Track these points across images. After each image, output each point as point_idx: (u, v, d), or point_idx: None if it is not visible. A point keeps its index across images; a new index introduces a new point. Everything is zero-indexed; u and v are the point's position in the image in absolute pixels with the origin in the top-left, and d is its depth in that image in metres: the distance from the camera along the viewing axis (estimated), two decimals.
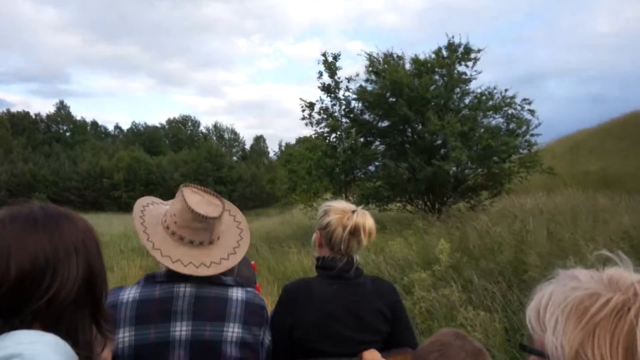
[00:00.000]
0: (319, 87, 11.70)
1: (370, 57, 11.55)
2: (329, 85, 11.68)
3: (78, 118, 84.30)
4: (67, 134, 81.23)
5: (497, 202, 11.33)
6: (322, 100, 11.79)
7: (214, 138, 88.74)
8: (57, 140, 74.95)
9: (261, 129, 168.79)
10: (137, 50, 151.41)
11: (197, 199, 1.45)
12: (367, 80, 11.84)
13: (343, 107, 11.63)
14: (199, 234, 1.41)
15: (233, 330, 1.42)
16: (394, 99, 10.92)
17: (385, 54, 11.50)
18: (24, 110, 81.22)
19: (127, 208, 54.12)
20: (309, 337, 1.60)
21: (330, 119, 11.21)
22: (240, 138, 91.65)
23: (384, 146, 11.74)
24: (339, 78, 11.60)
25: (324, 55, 11.39)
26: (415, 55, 11.59)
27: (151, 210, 1.52)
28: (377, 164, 11.23)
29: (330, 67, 11.44)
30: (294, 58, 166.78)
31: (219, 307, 1.42)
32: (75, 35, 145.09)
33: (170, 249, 1.40)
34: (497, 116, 11.24)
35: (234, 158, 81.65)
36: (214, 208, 1.44)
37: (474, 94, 11.23)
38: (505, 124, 11.10)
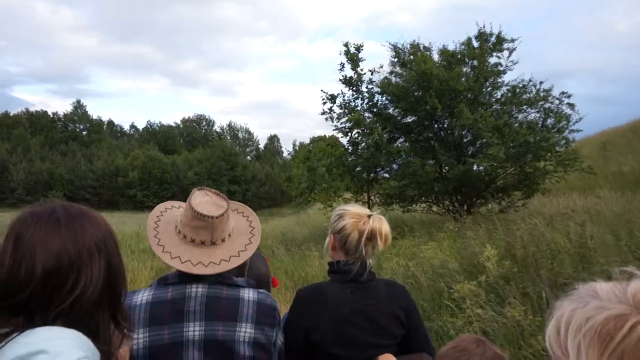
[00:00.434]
0: (340, 80, 10.98)
1: (395, 48, 10.82)
2: (350, 78, 10.95)
3: (94, 117, 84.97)
4: (84, 132, 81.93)
5: (530, 204, 10.59)
6: (343, 94, 11.07)
7: (228, 137, 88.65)
8: (73, 139, 75.61)
9: (275, 129, 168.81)
10: (151, 50, 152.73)
11: (203, 200, 1.47)
12: (391, 73, 11.13)
13: (366, 100, 10.88)
14: (199, 233, 1.43)
15: (245, 330, 1.42)
16: (420, 92, 10.18)
17: (411, 45, 10.76)
18: (42, 110, 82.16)
19: (141, 207, 54.39)
20: (325, 341, 1.59)
21: (353, 113, 10.46)
22: (254, 137, 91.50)
23: (408, 143, 10.97)
24: (361, 70, 10.86)
25: (345, 45, 10.66)
26: (444, 45, 10.85)
27: (172, 212, 1.57)
28: (400, 162, 10.46)
29: (353, 58, 10.71)
30: (307, 58, 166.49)
31: (231, 308, 1.42)
32: (91, 36, 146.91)
33: (174, 246, 1.43)
34: (532, 110, 10.43)
35: (248, 157, 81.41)
36: (215, 208, 1.45)
37: (507, 87, 10.43)
38: (541, 119, 10.27)
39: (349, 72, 10.98)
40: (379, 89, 10.77)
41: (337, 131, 11.43)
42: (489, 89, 10.82)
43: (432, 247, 6.36)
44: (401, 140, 11.30)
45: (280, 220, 23.05)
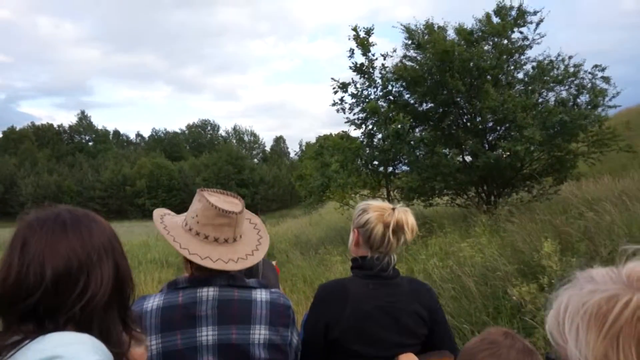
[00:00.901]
0: (350, 68, 10.14)
1: (407, 29, 9.97)
2: (361, 64, 10.12)
3: (100, 127, 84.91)
4: (90, 143, 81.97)
5: (561, 191, 9.73)
6: (355, 82, 10.22)
7: (234, 141, 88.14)
8: (80, 151, 75.72)
9: (280, 130, 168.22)
10: (154, 58, 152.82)
11: (217, 198, 1.46)
12: (404, 57, 10.29)
13: (379, 88, 10.02)
14: (223, 231, 1.41)
15: (260, 333, 1.39)
16: (439, 76, 9.33)
17: (425, 25, 9.92)
18: (47, 123, 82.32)
19: (150, 215, 52.94)
20: (345, 337, 1.55)
21: (367, 102, 9.62)
22: (260, 140, 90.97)
23: (429, 131, 10.11)
24: (373, 55, 10.03)
25: (354, 30, 9.83)
26: (459, 24, 9.99)
27: (169, 219, 1.53)
28: (422, 152, 9.62)
29: (363, 43, 9.86)
30: (308, 57, 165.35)
31: (244, 310, 1.39)
32: (94, 48, 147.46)
33: (197, 248, 1.38)
34: (561, 88, 9.55)
35: (255, 160, 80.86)
36: (234, 205, 1.45)
37: (533, 63, 9.55)
38: (571, 97, 9.37)
39: (359, 58, 10.17)
40: (392, 75, 9.93)
41: (349, 123, 10.61)
42: (511, 67, 9.97)
43: (470, 244, 5.54)
44: (419, 129, 10.46)
45: (292, 222, 22.28)
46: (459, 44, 9.36)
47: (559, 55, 9.41)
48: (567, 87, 9.37)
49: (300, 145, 68.66)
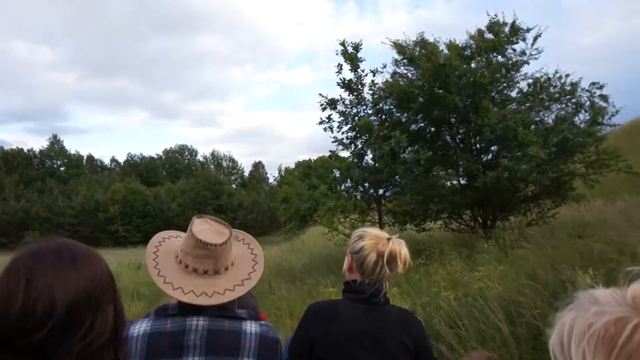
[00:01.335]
0: (338, 84, 9.60)
1: (396, 45, 9.53)
2: (349, 80, 9.58)
3: (72, 152, 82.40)
4: (62, 168, 79.25)
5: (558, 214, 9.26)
6: (343, 100, 9.66)
7: (212, 166, 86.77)
8: (50, 176, 72.91)
9: (259, 156, 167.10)
10: (131, 84, 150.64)
11: (205, 228, 1.41)
12: (394, 74, 9.83)
13: (369, 105, 9.47)
14: (202, 262, 1.36)
15: None
16: (432, 92, 8.86)
17: (416, 41, 9.50)
18: (17, 147, 79.40)
19: (124, 242, 51.89)
20: (329, 358, 1.55)
21: (356, 120, 9.04)
22: (239, 165, 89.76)
23: (420, 151, 9.56)
24: (362, 71, 9.51)
25: (342, 44, 9.34)
26: (450, 40, 9.62)
27: (171, 241, 1.49)
28: (417, 172, 9.03)
29: (352, 58, 9.36)
30: (286, 85, 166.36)
31: (233, 341, 1.36)
32: (70, 73, 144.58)
33: (176, 277, 1.36)
34: (557, 106, 9.19)
35: (233, 186, 79.56)
36: (218, 236, 1.40)
37: (529, 80, 9.21)
38: (569, 115, 9.01)
39: (347, 74, 9.64)
40: (383, 92, 9.40)
41: (336, 143, 9.98)
42: (504, 84, 9.61)
43: (486, 275, 4.85)
44: (410, 149, 9.92)
45: (272, 248, 21.29)
46: (454, 59, 8.96)
47: (556, 72, 9.10)
48: (564, 104, 9.04)
49: (280, 171, 67.96)
